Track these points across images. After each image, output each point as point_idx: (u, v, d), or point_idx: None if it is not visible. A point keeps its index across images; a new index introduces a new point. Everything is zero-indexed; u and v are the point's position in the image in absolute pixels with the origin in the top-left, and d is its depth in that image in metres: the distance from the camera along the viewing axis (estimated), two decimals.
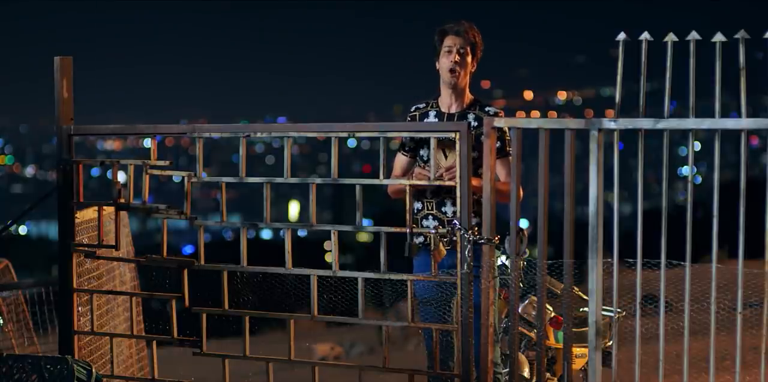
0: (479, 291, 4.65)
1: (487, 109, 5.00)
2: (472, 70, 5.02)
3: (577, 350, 5.03)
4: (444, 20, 5.05)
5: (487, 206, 4.67)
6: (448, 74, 4.95)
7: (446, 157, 4.94)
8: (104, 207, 5.65)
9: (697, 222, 4.18)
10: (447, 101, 5.03)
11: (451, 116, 5.01)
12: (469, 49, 4.94)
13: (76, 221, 5.70)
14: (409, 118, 5.16)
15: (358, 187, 5.06)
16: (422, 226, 5.06)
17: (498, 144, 4.90)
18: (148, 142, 5.57)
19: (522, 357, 5.26)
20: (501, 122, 4.65)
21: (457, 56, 4.92)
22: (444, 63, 4.96)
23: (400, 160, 5.17)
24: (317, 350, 11.43)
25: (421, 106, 5.15)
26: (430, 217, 5.03)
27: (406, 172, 5.09)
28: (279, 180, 5.28)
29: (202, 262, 5.50)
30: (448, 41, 4.94)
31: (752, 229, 4.13)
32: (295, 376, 6.40)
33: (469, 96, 5.03)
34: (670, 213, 4.26)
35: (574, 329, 4.67)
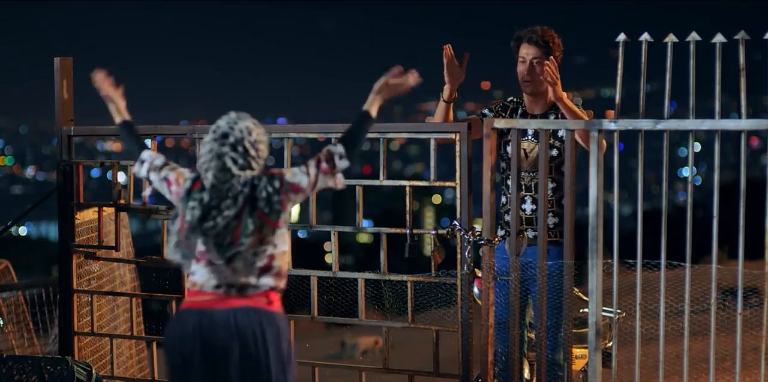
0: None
1: None
2: None
3: (577, 351, 5.02)
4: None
5: (488, 206, 4.66)
6: (523, 83, 4.91)
7: (527, 154, 4.86)
8: (104, 208, 5.65)
9: (697, 223, 4.17)
10: (529, 104, 4.97)
11: (533, 117, 4.94)
12: (542, 57, 4.84)
13: (76, 221, 5.70)
14: (501, 104, 5.04)
15: (358, 188, 5.07)
16: (504, 220, 4.97)
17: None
18: (148, 143, 5.57)
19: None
20: (501, 123, 4.65)
21: (529, 67, 4.86)
22: (519, 72, 4.90)
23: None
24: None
25: (514, 99, 5.04)
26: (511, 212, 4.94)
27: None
28: None
29: None
30: (522, 50, 4.87)
31: (752, 229, 4.13)
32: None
33: (550, 97, 4.90)
34: (670, 214, 4.26)
35: (574, 330, 4.67)
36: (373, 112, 3.77)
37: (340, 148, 3.63)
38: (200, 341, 3.49)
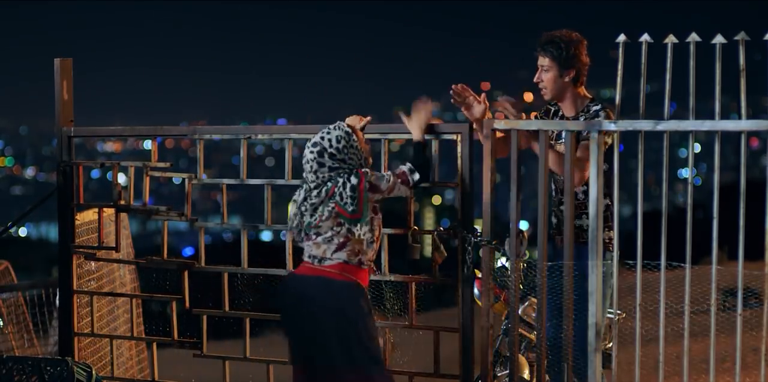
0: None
1: (592, 109, 4.85)
2: (580, 79, 4.86)
3: None
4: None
5: (487, 207, 4.67)
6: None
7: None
8: (104, 209, 5.65)
9: (697, 223, 4.17)
10: (563, 106, 4.93)
11: (566, 119, 4.88)
12: (551, 64, 4.78)
13: (76, 222, 5.70)
14: (545, 108, 4.98)
15: None
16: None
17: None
18: (148, 144, 5.58)
19: (522, 359, 5.25)
20: (501, 124, 4.65)
21: (538, 74, 4.83)
22: None
23: None
24: None
25: (556, 103, 4.99)
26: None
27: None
28: (280, 182, 5.28)
29: (203, 263, 5.50)
30: (539, 58, 4.84)
31: (752, 230, 4.13)
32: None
33: (581, 100, 4.88)
34: (670, 214, 4.26)
35: None
36: (420, 138, 4.69)
37: (409, 165, 4.56)
38: (293, 299, 4.46)
